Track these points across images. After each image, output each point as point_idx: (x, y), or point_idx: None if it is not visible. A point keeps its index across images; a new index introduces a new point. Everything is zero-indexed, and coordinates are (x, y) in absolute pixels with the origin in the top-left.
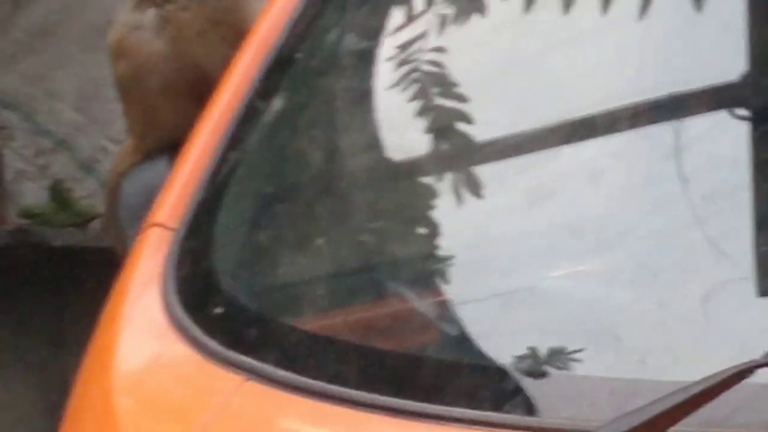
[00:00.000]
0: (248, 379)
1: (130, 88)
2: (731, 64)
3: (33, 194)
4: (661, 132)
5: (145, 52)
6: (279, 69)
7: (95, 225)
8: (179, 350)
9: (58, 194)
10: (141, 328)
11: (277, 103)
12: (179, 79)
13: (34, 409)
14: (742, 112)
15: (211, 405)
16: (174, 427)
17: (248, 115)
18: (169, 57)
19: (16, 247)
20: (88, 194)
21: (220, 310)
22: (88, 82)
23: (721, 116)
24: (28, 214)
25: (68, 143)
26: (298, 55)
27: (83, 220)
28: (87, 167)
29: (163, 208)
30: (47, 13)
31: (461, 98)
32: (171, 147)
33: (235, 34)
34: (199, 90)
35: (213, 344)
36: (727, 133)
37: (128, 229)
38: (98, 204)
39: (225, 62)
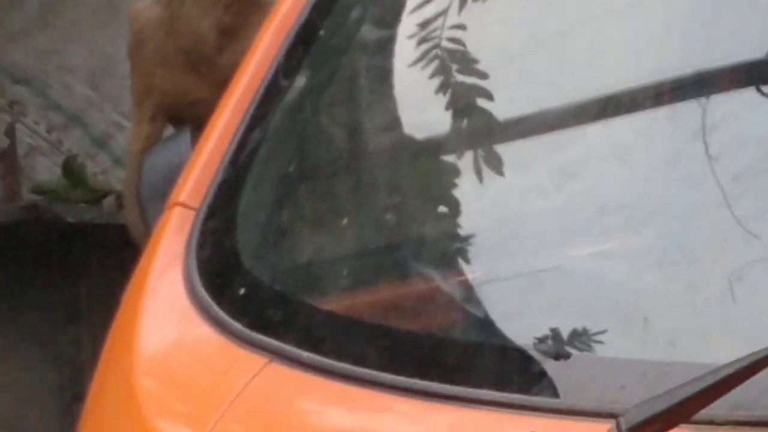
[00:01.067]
0: (271, 361)
1: (132, 54)
2: (758, 40)
3: (46, 170)
4: (689, 110)
5: (145, 18)
6: (301, 47)
7: (109, 201)
8: (202, 331)
9: (71, 170)
10: (163, 309)
11: (299, 82)
12: (173, 45)
13: (46, 386)
14: None
15: (234, 386)
16: (196, 409)
17: (270, 94)
18: (164, 22)
19: (29, 223)
20: (101, 170)
21: (243, 291)
22: (101, 58)
23: (749, 94)
24: (41, 189)
25: (81, 119)
26: (320, 33)
27: (97, 197)
28: (100, 143)
29: (185, 187)
30: None
31: (484, 76)
32: (176, 118)
33: None
34: (192, 58)
35: (236, 325)
36: (754, 111)
37: (150, 209)
38: (112, 180)
39: (218, 25)
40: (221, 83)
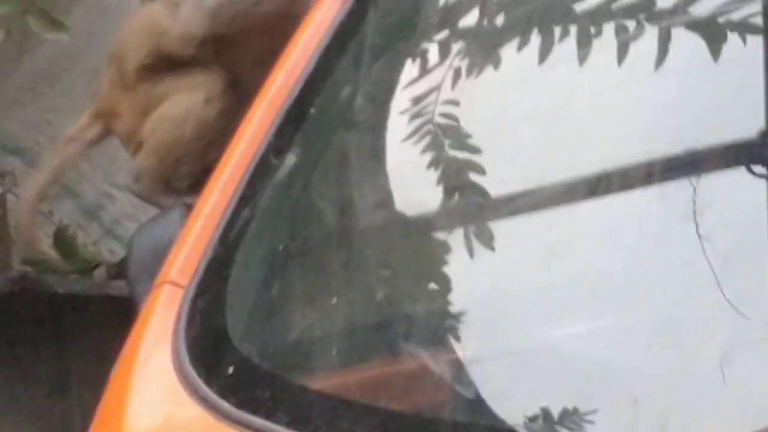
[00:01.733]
0: None
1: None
2: (749, 120)
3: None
4: (679, 190)
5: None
6: (292, 124)
7: (100, 272)
8: (190, 410)
9: (62, 240)
10: (152, 388)
11: (290, 159)
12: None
13: None
14: (760, 169)
15: None
16: None
17: (261, 171)
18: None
19: (20, 294)
20: (92, 241)
21: (232, 370)
22: None
23: (740, 174)
24: (31, 260)
25: (72, 189)
26: (311, 110)
27: (87, 267)
28: (91, 213)
29: (174, 265)
30: (51, 58)
31: (476, 151)
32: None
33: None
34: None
35: (224, 405)
36: (745, 192)
37: (139, 286)
38: (103, 251)
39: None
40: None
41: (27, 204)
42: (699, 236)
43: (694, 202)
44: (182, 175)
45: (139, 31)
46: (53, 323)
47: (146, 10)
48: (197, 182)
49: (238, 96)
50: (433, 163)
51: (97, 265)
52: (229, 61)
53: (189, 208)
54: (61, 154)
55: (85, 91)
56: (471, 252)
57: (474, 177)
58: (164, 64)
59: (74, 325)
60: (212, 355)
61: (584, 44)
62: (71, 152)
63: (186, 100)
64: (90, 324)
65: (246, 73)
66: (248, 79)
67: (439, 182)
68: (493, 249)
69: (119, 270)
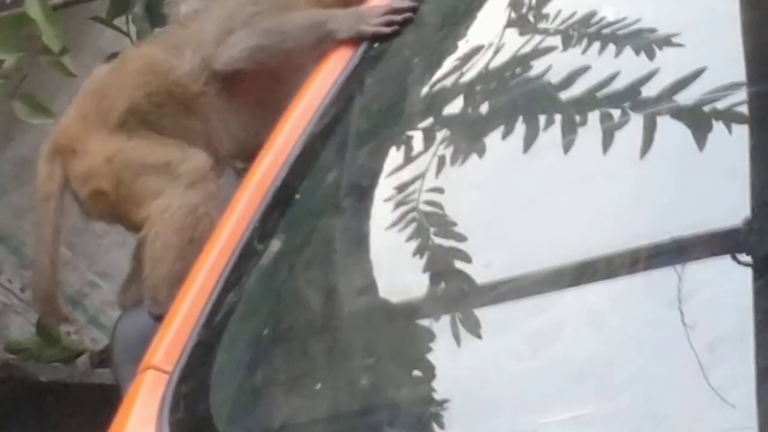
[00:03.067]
0: None
1: None
2: (733, 209)
3: (19, 328)
4: (664, 277)
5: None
6: (277, 210)
7: (82, 360)
8: None
9: (45, 329)
10: None
11: (274, 246)
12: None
13: None
14: (745, 257)
15: None
16: None
17: (245, 256)
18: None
19: (2, 382)
20: (75, 329)
21: None
22: (77, 217)
23: (724, 262)
24: (14, 348)
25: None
26: (296, 197)
27: (70, 356)
28: (74, 301)
29: (158, 350)
30: (36, 145)
31: (461, 239)
32: None
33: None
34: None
35: None
36: (729, 280)
37: (123, 371)
38: (86, 339)
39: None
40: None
41: (44, 274)
42: (684, 323)
43: (679, 290)
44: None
45: (140, 69)
46: (36, 411)
47: (142, 52)
48: None
49: (219, 173)
50: (419, 251)
51: (80, 354)
52: (233, 102)
53: None
54: (45, 217)
55: None
56: (458, 340)
57: (459, 264)
58: (153, 117)
59: (57, 412)
60: None
61: (569, 132)
62: (52, 211)
63: (170, 195)
64: (72, 412)
65: (243, 124)
66: (230, 150)
67: (424, 270)
68: (480, 337)
69: (102, 358)
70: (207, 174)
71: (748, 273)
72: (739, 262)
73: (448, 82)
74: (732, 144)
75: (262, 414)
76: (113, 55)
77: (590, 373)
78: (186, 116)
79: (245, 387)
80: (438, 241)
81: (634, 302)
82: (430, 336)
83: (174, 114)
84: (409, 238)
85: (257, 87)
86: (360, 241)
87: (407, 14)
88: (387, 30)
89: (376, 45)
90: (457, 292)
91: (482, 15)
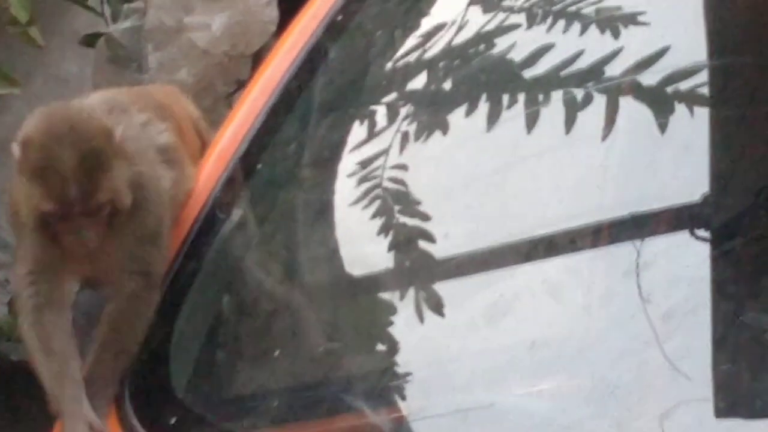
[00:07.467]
0: None
1: None
2: (691, 184)
3: None
4: (622, 250)
5: None
6: (239, 179)
7: None
8: None
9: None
10: None
11: (237, 214)
12: None
13: None
14: (702, 232)
15: None
16: None
17: (207, 227)
18: None
19: None
20: None
21: (174, 421)
22: None
23: (682, 236)
24: None
25: None
26: (258, 167)
27: None
28: None
29: None
30: (11, 126)
31: (422, 216)
32: None
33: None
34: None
35: None
36: (686, 253)
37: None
38: None
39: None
40: None
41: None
42: (640, 295)
43: (637, 263)
44: None
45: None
46: (5, 390)
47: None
48: None
49: None
50: (384, 229)
51: None
52: None
53: None
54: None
55: None
56: (421, 317)
57: (420, 241)
58: None
59: (26, 392)
60: (155, 406)
61: (532, 109)
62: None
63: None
64: (42, 391)
65: None
66: None
67: (389, 248)
68: (443, 316)
69: None
70: None
71: (705, 247)
72: (697, 237)
73: (411, 57)
74: (691, 121)
75: (221, 383)
76: (89, 36)
77: (546, 344)
78: None
79: (204, 357)
80: (403, 219)
81: (591, 274)
82: (392, 310)
83: None
84: (374, 216)
85: None
86: (322, 213)
87: None
88: None
89: (340, 17)
90: (420, 268)
91: None
